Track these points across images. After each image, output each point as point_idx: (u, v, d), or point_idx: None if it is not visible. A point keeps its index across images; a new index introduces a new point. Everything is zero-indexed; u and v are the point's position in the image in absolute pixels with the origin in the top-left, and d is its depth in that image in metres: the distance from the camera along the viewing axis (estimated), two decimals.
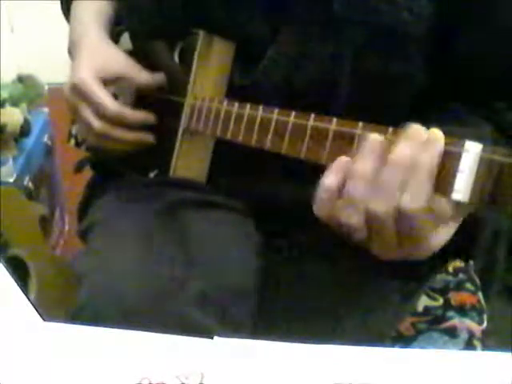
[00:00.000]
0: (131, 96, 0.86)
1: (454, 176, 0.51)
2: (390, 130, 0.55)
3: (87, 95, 0.81)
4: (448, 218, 0.54)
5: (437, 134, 0.53)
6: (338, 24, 0.72)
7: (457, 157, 0.51)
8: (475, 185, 0.50)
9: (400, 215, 0.53)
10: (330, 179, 0.56)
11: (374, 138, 0.55)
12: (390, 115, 0.63)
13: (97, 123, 0.81)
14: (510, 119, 0.73)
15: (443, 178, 0.52)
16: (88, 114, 0.82)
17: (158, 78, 0.84)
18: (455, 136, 0.53)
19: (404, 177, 0.52)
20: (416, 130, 0.54)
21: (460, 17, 0.71)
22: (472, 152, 0.50)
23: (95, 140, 0.85)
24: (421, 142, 0.53)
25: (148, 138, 0.84)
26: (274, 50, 0.75)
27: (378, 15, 0.71)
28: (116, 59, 0.84)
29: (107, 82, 0.82)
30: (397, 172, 0.53)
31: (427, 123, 0.60)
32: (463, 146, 0.51)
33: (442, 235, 0.55)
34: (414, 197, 0.52)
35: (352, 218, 0.55)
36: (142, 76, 0.83)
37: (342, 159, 0.56)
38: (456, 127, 0.69)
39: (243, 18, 0.77)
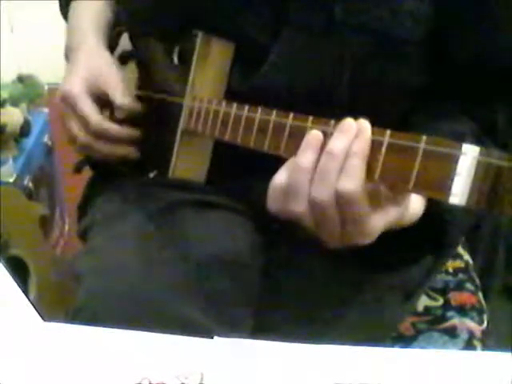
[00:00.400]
0: (131, 87, 0.86)
1: (451, 179, 0.51)
2: (332, 123, 0.60)
3: (73, 107, 0.83)
4: (385, 202, 0.58)
5: (363, 124, 0.58)
6: (338, 29, 0.72)
7: (454, 160, 0.51)
8: (472, 188, 0.50)
9: (339, 199, 0.57)
10: (277, 177, 0.61)
11: (313, 133, 0.60)
12: (390, 118, 0.64)
13: (81, 135, 0.83)
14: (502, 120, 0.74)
15: (440, 181, 0.52)
16: (73, 124, 0.84)
17: (136, 107, 0.84)
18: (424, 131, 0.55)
19: (339, 164, 0.57)
20: (347, 122, 0.59)
21: (459, 20, 0.72)
22: (469, 155, 0.50)
23: (81, 150, 0.86)
24: (352, 133, 0.57)
25: (131, 153, 0.85)
26: (275, 54, 0.75)
27: (379, 21, 0.71)
28: (108, 75, 0.85)
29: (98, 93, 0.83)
30: (332, 161, 0.57)
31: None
32: (461, 148, 0.51)
33: (381, 219, 0.59)
34: (349, 180, 0.56)
35: (297, 208, 0.60)
36: (126, 103, 0.83)
37: (292, 159, 0.61)
38: (431, 123, 0.71)
39: (242, 22, 0.77)
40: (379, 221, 0.59)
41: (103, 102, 0.84)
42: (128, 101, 0.84)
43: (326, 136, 0.60)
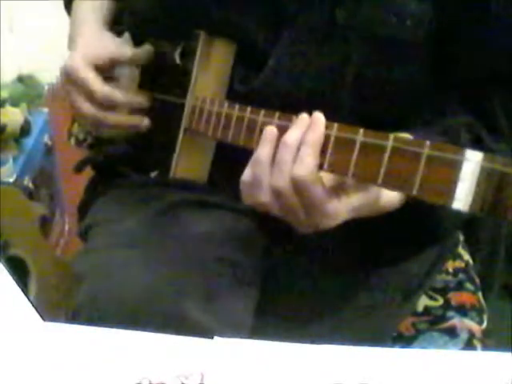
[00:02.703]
0: (133, 86, 0.86)
1: (454, 185, 0.51)
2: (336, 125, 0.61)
3: (77, 80, 0.80)
4: (347, 188, 0.61)
5: (316, 116, 0.62)
6: (340, 32, 0.72)
7: (458, 165, 0.51)
8: (476, 194, 0.50)
9: (295, 185, 0.61)
10: (244, 174, 0.65)
11: (269, 128, 0.64)
12: (392, 120, 0.64)
13: (88, 107, 0.81)
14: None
15: (444, 187, 0.52)
16: (79, 99, 0.81)
17: (145, 49, 0.84)
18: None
19: (293, 154, 0.62)
20: (301, 116, 0.63)
21: (460, 21, 0.72)
22: (473, 161, 0.50)
23: (91, 126, 0.85)
24: (305, 125, 0.62)
25: (143, 121, 0.83)
26: (276, 57, 0.75)
27: (381, 23, 0.71)
28: (109, 44, 0.84)
29: (103, 69, 0.82)
30: (286, 151, 0.62)
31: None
32: (464, 154, 0.51)
33: (343, 203, 0.62)
34: (303, 167, 0.60)
35: (263, 198, 0.63)
36: (128, 52, 0.83)
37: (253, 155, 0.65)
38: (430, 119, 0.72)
39: (244, 24, 0.77)
40: (341, 205, 0.62)
41: (106, 73, 0.83)
42: (138, 52, 0.83)
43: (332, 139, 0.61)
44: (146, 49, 0.84)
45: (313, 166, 0.60)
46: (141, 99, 0.83)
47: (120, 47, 0.84)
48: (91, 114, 0.81)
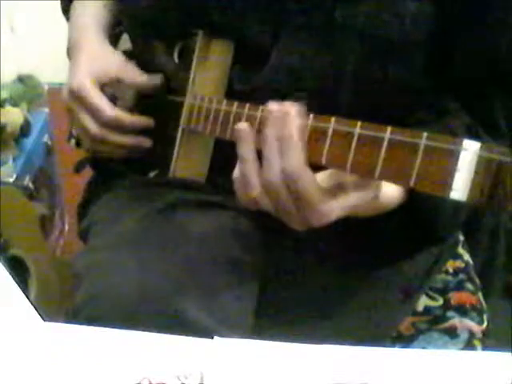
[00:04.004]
0: (131, 97, 0.86)
1: (451, 175, 0.51)
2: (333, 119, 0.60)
3: (85, 100, 0.82)
4: (346, 185, 0.61)
5: (285, 111, 0.61)
6: (339, 32, 0.72)
7: (455, 155, 0.51)
8: (473, 183, 0.50)
9: (285, 179, 0.60)
10: (235, 172, 0.65)
11: (240, 125, 0.64)
12: (391, 116, 0.64)
13: (94, 128, 0.82)
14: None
15: (441, 177, 0.52)
16: (85, 118, 0.82)
17: (156, 79, 0.84)
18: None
19: (277, 149, 0.61)
20: (273, 110, 0.62)
21: (460, 21, 0.72)
22: (470, 150, 0.50)
23: (93, 144, 0.85)
24: (279, 120, 0.61)
25: (145, 142, 0.85)
26: (275, 56, 0.76)
27: (380, 24, 0.71)
28: (114, 63, 0.85)
29: (106, 85, 0.83)
30: (270, 147, 0.61)
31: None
32: (461, 144, 0.51)
33: (338, 201, 0.61)
34: (290, 160, 0.60)
35: (253, 193, 0.63)
36: (140, 78, 0.84)
37: None
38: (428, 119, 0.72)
39: (243, 23, 0.77)
40: (336, 202, 0.61)
41: (109, 93, 0.84)
42: (145, 79, 0.84)
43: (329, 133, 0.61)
44: (157, 78, 0.84)
45: (299, 158, 0.60)
46: (146, 121, 0.84)
47: (127, 69, 0.84)
48: (97, 134, 0.82)
